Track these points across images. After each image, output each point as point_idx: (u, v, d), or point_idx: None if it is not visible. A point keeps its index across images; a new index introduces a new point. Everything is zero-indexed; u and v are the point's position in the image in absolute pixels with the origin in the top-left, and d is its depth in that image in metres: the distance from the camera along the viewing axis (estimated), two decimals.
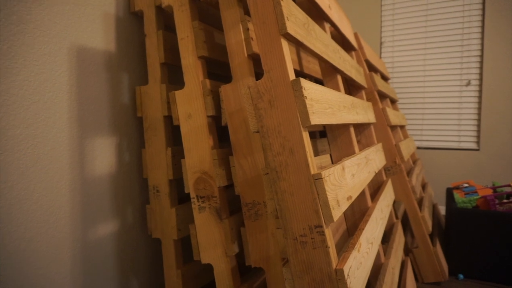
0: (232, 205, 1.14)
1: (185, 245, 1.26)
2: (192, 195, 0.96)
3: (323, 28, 1.12)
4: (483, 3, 2.28)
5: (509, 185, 1.60)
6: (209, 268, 1.13)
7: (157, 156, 1.04)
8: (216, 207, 0.93)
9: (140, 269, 1.12)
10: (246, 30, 0.88)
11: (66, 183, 0.89)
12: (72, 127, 0.91)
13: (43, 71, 0.84)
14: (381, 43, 2.58)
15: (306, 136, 0.65)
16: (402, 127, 2.15)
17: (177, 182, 1.15)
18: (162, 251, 1.04)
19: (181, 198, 1.19)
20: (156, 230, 1.05)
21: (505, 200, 1.53)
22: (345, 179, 0.73)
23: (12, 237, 0.77)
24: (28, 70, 0.80)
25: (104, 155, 1.00)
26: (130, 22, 1.09)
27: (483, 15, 2.29)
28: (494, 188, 1.64)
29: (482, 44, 2.30)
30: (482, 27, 2.30)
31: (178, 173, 1.04)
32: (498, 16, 2.23)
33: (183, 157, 1.05)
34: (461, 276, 1.47)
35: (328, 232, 0.63)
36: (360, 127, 1.31)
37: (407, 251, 1.46)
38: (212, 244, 0.94)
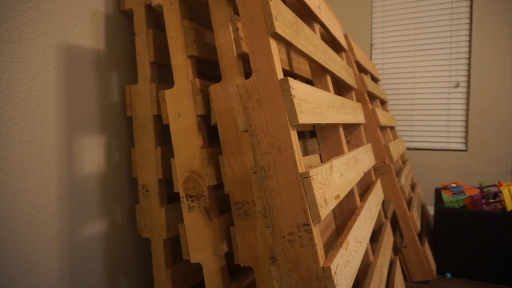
0: (221, 205, 1.14)
1: (175, 245, 1.26)
2: (182, 194, 0.96)
3: (313, 29, 1.12)
4: (471, 7, 2.32)
5: (495, 185, 1.63)
6: (198, 267, 1.13)
7: (146, 155, 1.04)
8: (206, 206, 0.93)
9: (129, 269, 1.11)
10: (236, 29, 0.88)
11: (54, 182, 0.88)
12: (60, 125, 0.90)
13: (30, 69, 0.83)
14: (371, 45, 2.61)
15: (294, 135, 0.65)
16: (391, 128, 2.17)
17: (166, 181, 1.14)
18: (152, 251, 1.04)
19: (170, 197, 1.18)
20: (146, 230, 1.05)
21: (491, 200, 1.55)
22: (333, 178, 0.74)
23: None
24: (15, 68, 0.80)
25: (92, 154, 0.99)
26: (120, 20, 1.08)
27: (470, 18, 2.33)
28: (481, 188, 1.67)
29: (470, 47, 2.34)
30: (470, 29, 2.33)
31: (168, 172, 1.04)
32: (486, 19, 2.27)
33: (173, 156, 1.05)
34: (448, 275, 1.49)
35: (315, 230, 0.63)
36: (349, 128, 1.32)
37: (396, 250, 1.48)
38: (201, 243, 0.94)
